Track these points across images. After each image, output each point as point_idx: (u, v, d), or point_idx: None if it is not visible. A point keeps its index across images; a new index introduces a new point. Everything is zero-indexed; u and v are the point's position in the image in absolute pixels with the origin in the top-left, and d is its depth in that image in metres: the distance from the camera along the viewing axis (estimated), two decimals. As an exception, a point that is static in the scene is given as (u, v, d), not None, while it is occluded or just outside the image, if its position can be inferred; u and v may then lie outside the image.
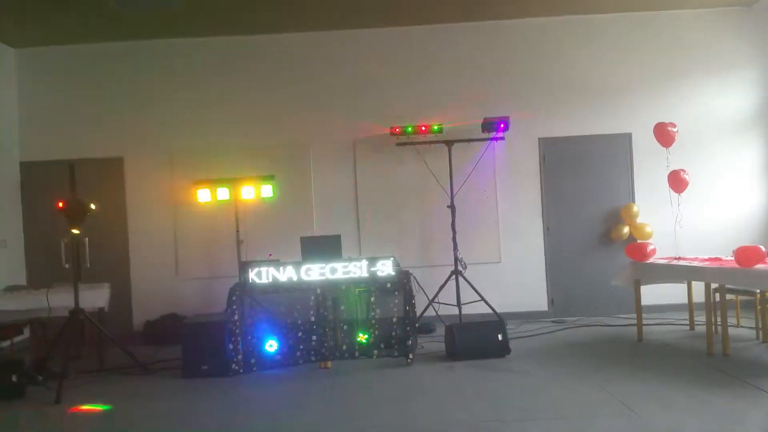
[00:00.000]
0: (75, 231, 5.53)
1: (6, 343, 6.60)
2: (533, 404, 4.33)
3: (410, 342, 5.60)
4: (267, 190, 6.78)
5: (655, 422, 3.81)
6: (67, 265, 5.65)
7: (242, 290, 5.60)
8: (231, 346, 5.46)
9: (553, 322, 7.11)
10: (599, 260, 7.33)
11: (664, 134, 6.12)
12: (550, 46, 7.43)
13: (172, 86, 7.46)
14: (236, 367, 5.45)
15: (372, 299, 5.66)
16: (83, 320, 5.72)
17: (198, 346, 5.48)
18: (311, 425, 4.16)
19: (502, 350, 5.63)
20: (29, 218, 7.39)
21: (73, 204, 5.51)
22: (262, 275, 5.62)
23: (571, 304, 7.36)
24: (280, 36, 7.42)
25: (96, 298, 6.11)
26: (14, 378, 5.14)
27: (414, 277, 5.95)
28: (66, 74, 7.49)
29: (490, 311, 6.65)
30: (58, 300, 5.74)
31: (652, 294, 6.70)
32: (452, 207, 6.83)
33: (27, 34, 7.01)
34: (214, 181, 6.82)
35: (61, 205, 5.48)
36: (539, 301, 7.40)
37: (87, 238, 5.72)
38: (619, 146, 7.41)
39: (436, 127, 6.93)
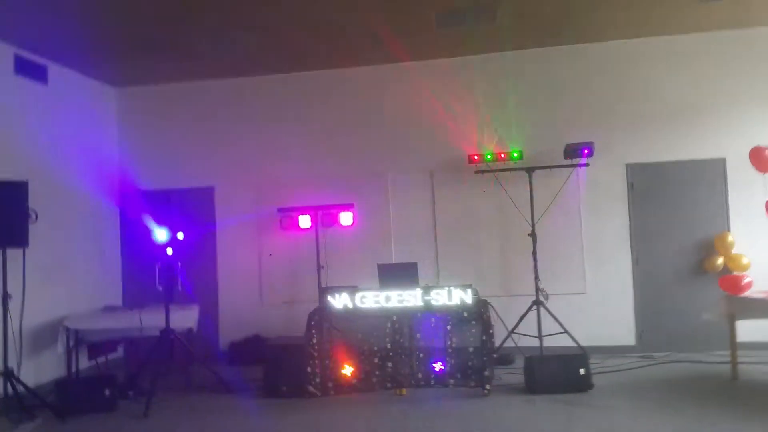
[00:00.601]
0: (169, 252, 5.91)
1: (101, 359, 7.07)
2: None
3: (487, 372, 5.53)
4: (347, 218, 6.96)
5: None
6: (160, 287, 6.05)
7: (321, 315, 5.75)
8: (309, 369, 5.61)
9: (640, 357, 6.79)
10: (691, 293, 6.96)
11: (760, 159, 5.79)
12: (635, 69, 7.23)
13: (258, 120, 7.85)
14: (314, 390, 5.59)
15: (448, 327, 5.65)
16: (173, 340, 6.06)
17: (278, 367, 5.74)
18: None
19: (584, 385, 5.46)
20: (126, 243, 7.94)
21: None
22: (340, 301, 5.76)
23: (660, 339, 7.00)
24: (356, 69, 7.66)
25: (185, 319, 6.45)
26: (107, 392, 5.53)
27: (492, 307, 5.90)
28: (161, 110, 8.04)
29: (573, 345, 6.46)
30: (150, 320, 6.11)
31: (749, 330, 6.25)
32: (533, 235, 6.73)
33: (126, 74, 7.62)
34: (296, 210, 7.06)
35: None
36: (626, 335, 7.09)
37: (180, 263, 6.13)
38: (713, 172, 7.06)
39: (515, 154, 6.89)
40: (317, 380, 5.62)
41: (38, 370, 6.23)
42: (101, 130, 7.84)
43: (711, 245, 6.95)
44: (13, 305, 5.48)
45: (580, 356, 5.68)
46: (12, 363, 5.46)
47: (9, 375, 5.39)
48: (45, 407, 5.46)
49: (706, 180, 7.07)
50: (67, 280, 6.86)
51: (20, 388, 5.47)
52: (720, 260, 6.83)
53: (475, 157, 6.95)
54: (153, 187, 7.77)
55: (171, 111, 8.03)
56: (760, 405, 4.89)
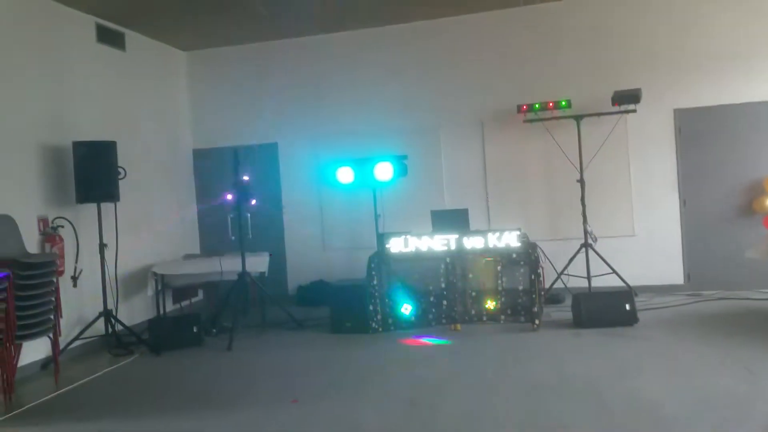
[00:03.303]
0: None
1: (185, 303, 7.80)
2: (654, 364, 4.55)
3: (536, 309, 5.87)
4: (401, 169, 7.16)
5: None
6: (233, 237, 6.63)
7: (380, 259, 6.21)
8: (371, 308, 6.12)
9: (688, 296, 7.00)
10: (740, 233, 7.06)
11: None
12: (683, 12, 7.20)
13: (315, 77, 8.21)
14: (375, 326, 6.11)
15: (499, 268, 6.01)
16: (249, 282, 6.64)
17: (343, 306, 6.23)
18: (443, 375, 4.70)
19: (629, 319, 5.70)
20: (201, 197, 8.53)
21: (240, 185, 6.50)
22: (397, 246, 6.20)
23: (708, 279, 7.19)
24: (406, 25, 7.89)
25: (258, 264, 7.01)
26: (195, 329, 6.15)
27: (541, 249, 6.23)
28: (226, 71, 8.50)
29: (622, 285, 6.69)
30: (228, 265, 6.71)
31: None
32: (582, 181, 6.91)
33: (194, 39, 8.09)
34: (353, 162, 7.29)
35: (230, 197, 6.52)
36: (675, 276, 7.30)
37: (249, 214, 6.69)
38: (763, 115, 7.05)
39: (563, 103, 6.98)
40: (378, 317, 6.12)
41: (132, 312, 6.85)
42: (174, 91, 8.36)
43: (760, 186, 7.01)
44: (109, 254, 6.12)
45: (625, 292, 5.95)
46: (110, 305, 6.11)
47: (109, 315, 6.04)
48: (141, 343, 6.07)
49: (756, 123, 7.07)
50: (152, 232, 7.44)
51: (119, 327, 6.13)
52: (768, 200, 6.91)
53: (524, 107, 7.09)
54: (222, 144, 8.23)
55: (236, 71, 8.45)
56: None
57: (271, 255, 7.32)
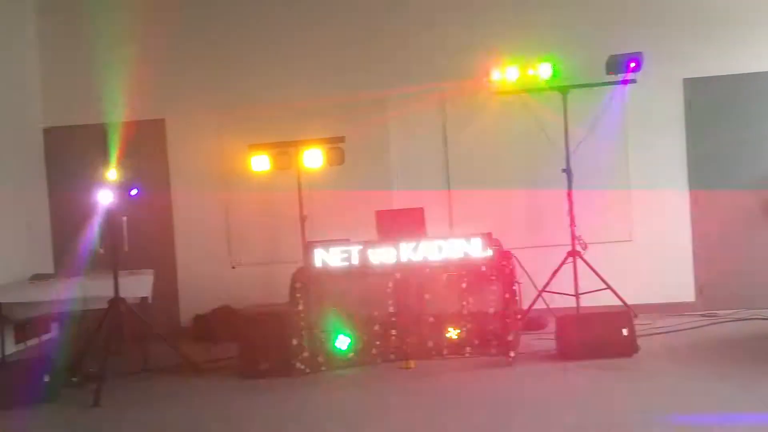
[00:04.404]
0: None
1: (33, 342, 7.46)
2: (660, 407, 4.63)
3: (511, 337, 5.90)
4: (335, 156, 7.15)
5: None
6: (101, 250, 6.42)
7: (307, 276, 6.11)
8: (295, 342, 5.99)
9: (701, 316, 7.18)
10: (765, 236, 7.33)
11: None
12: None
13: (218, 32, 8.09)
14: (301, 366, 5.99)
15: (464, 286, 6.04)
16: (124, 312, 6.39)
17: (257, 341, 6.11)
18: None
19: (628, 348, 5.79)
20: (56, 195, 8.21)
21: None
22: (330, 258, 6.11)
23: (725, 294, 7.39)
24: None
25: (138, 287, 6.76)
26: (46, 378, 5.80)
27: (517, 260, 6.31)
28: (92, 26, 8.10)
29: (618, 303, 6.81)
30: (94, 289, 6.47)
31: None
32: (568, 171, 6.97)
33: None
34: (271, 146, 7.20)
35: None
36: (683, 291, 7.51)
37: (125, 218, 6.44)
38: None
39: (546, 71, 6.98)
40: (305, 354, 6.00)
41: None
42: (17, 52, 8.04)
43: (790, 178, 7.25)
44: None
45: (622, 314, 6.07)
46: None
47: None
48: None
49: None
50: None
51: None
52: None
53: (496, 75, 7.07)
54: (85, 120, 7.94)
55: (104, 26, 8.07)
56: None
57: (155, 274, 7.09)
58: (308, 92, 7.86)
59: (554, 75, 7.00)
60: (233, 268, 8.06)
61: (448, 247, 6.05)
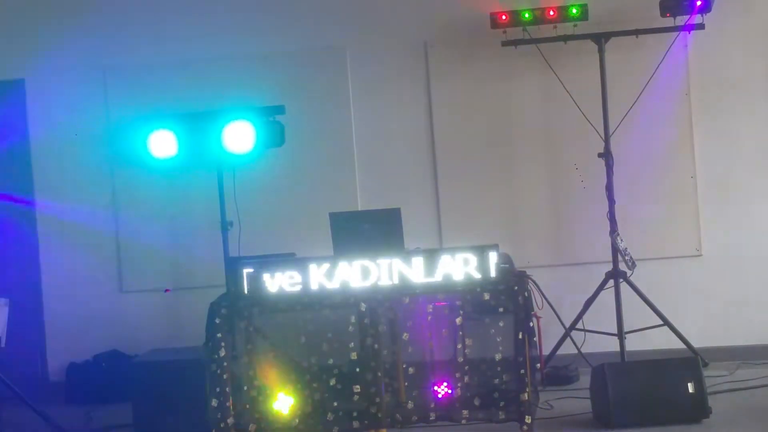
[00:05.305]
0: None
1: None
2: None
3: (527, 396, 5.54)
4: (272, 133, 6.94)
5: None
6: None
7: (233, 308, 5.76)
8: (215, 403, 5.62)
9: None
10: None
11: None
12: None
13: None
14: (223, 437, 5.71)
15: (458, 321, 5.66)
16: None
17: (159, 402, 5.97)
18: None
19: (695, 411, 5.61)
20: None
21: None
22: (266, 282, 5.70)
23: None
24: None
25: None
26: None
27: (535, 284, 5.91)
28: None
29: (679, 346, 6.81)
30: None
31: None
32: (607, 155, 6.89)
33: None
34: (179, 119, 7.07)
35: None
36: (774, 328, 7.45)
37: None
38: None
39: (574, 11, 6.91)
40: (229, 421, 5.63)
41: None
42: None
43: None
44: None
45: (688, 362, 5.85)
46: None
47: None
48: None
49: None
50: None
51: None
52: None
53: (503, 17, 7.00)
54: None
55: None
56: None
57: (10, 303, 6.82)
58: (231, 40, 7.75)
59: (584, 17, 6.95)
60: (123, 293, 7.87)
61: (435, 266, 5.64)
